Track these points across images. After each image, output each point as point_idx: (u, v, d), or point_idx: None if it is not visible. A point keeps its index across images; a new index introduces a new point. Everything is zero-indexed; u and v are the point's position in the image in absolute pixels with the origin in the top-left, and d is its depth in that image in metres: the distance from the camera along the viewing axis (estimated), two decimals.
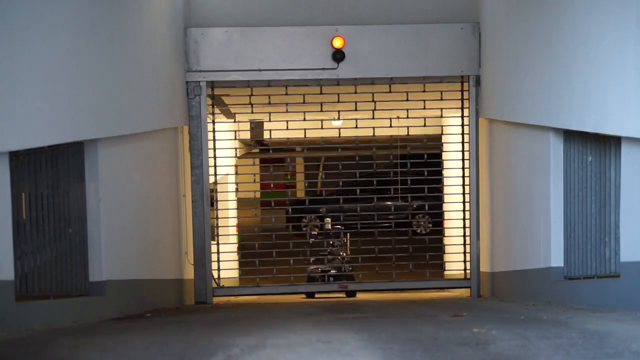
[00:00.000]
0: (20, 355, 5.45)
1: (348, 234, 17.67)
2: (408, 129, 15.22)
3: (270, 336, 6.17)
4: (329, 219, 18.45)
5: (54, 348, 5.78)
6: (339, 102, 14.30)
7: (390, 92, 14.09)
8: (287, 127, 14.55)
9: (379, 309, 10.33)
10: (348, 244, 17.56)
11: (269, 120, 15.73)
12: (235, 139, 17.88)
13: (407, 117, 14.62)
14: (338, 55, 13.45)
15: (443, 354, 5.20)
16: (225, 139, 15.96)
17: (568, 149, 9.65)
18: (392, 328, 6.89)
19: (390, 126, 14.80)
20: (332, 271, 16.59)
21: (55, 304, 8.06)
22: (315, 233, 18.77)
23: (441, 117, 17.06)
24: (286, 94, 13.99)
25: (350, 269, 16.73)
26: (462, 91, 13.92)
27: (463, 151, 14.18)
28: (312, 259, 17.03)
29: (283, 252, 15.00)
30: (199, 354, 5.34)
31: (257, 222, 22.47)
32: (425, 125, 15.85)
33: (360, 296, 16.60)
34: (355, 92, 14.14)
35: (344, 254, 17.17)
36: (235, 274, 15.98)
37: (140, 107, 10.69)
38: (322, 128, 14.61)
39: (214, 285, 13.97)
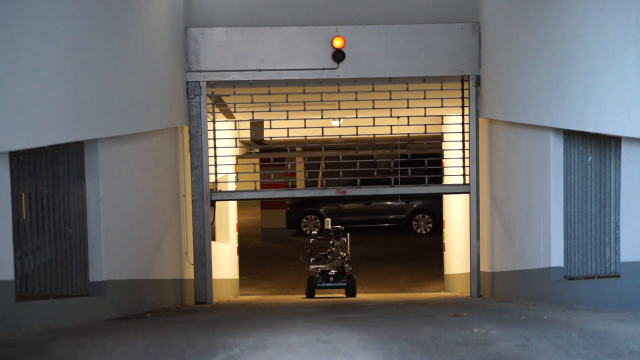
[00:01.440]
0: (20, 355, 5.45)
1: (348, 234, 17.56)
2: (408, 129, 15.20)
3: (270, 336, 6.17)
4: (329, 219, 18.18)
5: (54, 348, 5.78)
6: (339, 104, 14.29)
7: (390, 92, 14.08)
8: (287, 128, 14.52)
9: (379, 309, 10.33)
10: (348, 244, 17.42)
11: (270, 124, 15.72)
12: (236, 142, 17.83)
13: (408, 122, 14.61)
14: (338, 55, 13.45)
15: (443, 354, 5.20)
16: (225, 137, 15.97)
17: (568, 149, 9.66)
18: (392, 328, 6.90)
19: (391, 131, 14.80)
20: (332, 271, 16.62)
21: (55, 304, 8.06)
22: (315, 233, 18.36)
23: (442, 121, 17.07)
24: (286, 96, 13.98)
25: (351, 269, 16.76)
26: (462, 89, 13.91)
27: (463, 149, 14.18)
28: (312, 259, 17.11)
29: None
30: (199, 354, 5.34)
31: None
32: (425, 127, 15.86)
33: (360, 296, 16.57)
34: (356, 96, 14.14)
35: (344, 254, 17.00)
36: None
37: (140, 107, 10.69)
38: (322, 134, 14.52)
39: (212, 188, 13.87)
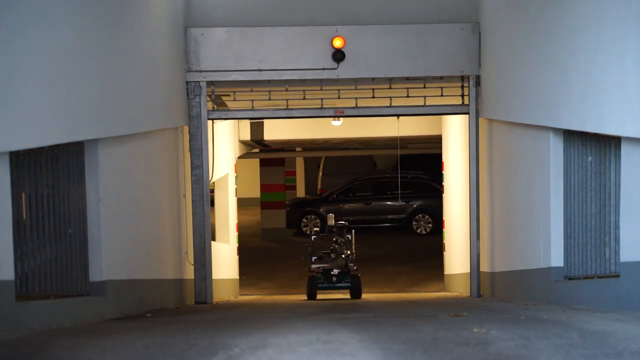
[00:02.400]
0: (20, 355, 5.45)
1: (353, 231, 16.38)
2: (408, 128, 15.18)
3: (270, 336, 6.17)
4: (331, 214, 16.95)
5: (54, 348, 5.78)
6: (339, 99, 14.28)
7: (390, 88, 14.07)
8: (287, 127, 14.52)
9: (379, 309, 10.33)
10: (353, 242, 16.22)
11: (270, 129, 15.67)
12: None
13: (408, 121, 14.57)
14: (338, 55, 13.45)
15: (443, 354, 5.20)
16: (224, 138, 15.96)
17: (568, 149, 9.66)
18: (392, 328, 6.90)
19: (393, 137, 14.77)
20: (335, 271, 15.54)
21: (55, 304, 8.06)
22: (317, 230, 17.46)
23: (441, 123, 17.06)
24: (287, 90, 13.94)
25: (356, 268, 15.71)
26: (462, 86, 13.87)
27: (462, 78, 13.81)
28: (313, 257, 15.92)
29: None
30: (199, 354, 5.34)
31: None
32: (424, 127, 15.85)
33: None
34: (356, 88, 14.12)
35: (348, 252, 15.77)
36: None
37: (140, 107, 10.70)
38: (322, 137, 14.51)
39: (209, 108, 13.68)
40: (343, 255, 15.66)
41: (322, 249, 16.09)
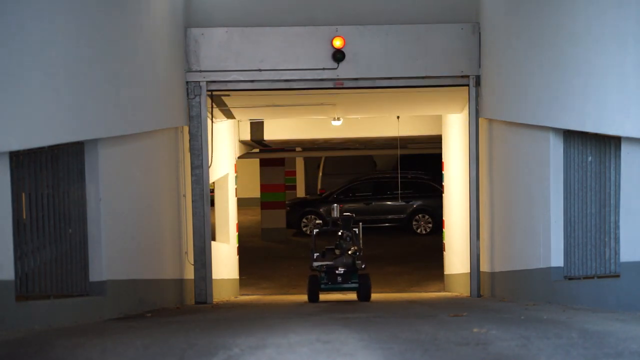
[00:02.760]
0: (20, 355, 5.45)
1: (360, 224, 14.51)
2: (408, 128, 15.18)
3: (270, 336, 6.17)
4: (336, 205, 14.77)
5: (54, 348, 5.78)
6: (338, 102, 14.28)
7: (390, 87, 14.06)
8: (287, 127, 14.53)
9: (379, 309, 10.33)
10: (360, 236, 14.39)
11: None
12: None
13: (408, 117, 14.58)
14: (338, 55, 13.45)
15: (443, 354, 5.20)
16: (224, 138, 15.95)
17: (568, 149, 9.66)
18: (392, 328, 6.90)
19: (393, 137, 14.77)
20: (341, 269, 13.72)
21: (55, 304, 8.06)
22: (320, 223, 15.41)
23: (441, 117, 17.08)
24: (287, 89, 13.91)
25: (364, 266, 13.81)
26: (461, 84, 13.83)
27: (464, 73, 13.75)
28: (315, 254, 14.02)
29: None
30: (199, 354, 5.34)
31: None
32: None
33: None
34: (357, 79, 14.09)
35: (356, 248, 13.81)
36: None
37: (140, 107, 10.70)
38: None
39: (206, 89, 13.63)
40: (349, 252, 13.77)
41: (328, 245, 14.49)
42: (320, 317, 8.66)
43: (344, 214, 14.11)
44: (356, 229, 14.14)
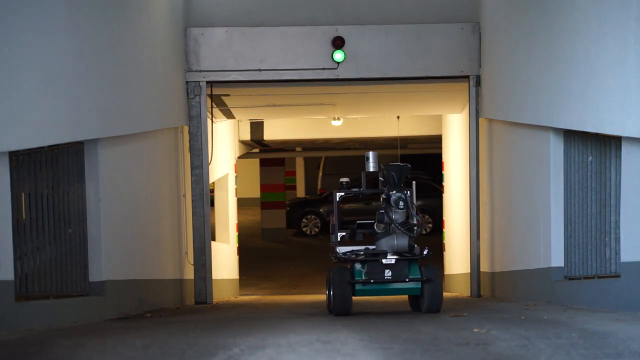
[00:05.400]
0: (20, 355, 5.45)
1: (414, 183, 9.20)
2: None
3: (270, 336, 6.17)
4: (373, 152, 9.45)
5: (54, 348, 5.78)
6: (338, 102, 14.28)
7: (391, 85, 14.03)
8: (287, 127, 14.51)
9: (379, 308, 10.33)
10: (414, 200, 9.03)
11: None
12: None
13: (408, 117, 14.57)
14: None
15: (443, 354, 5.20)
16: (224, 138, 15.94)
17: (568, 149, 9.65)
18: (392, 328, 6.89)
19: (393, 137, 14.71)
20: (391, 257, 8.77)
21: (55, 304, 8.06)
22: (347, 180, 9.27)
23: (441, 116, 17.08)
24: (288, 87, 13.86)
25: (427, 251, 8.93)
26: (461, 80, 13.76)
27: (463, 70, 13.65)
28: (341, 233, 9.26)
29: None
30: (199, 354, 5.34)
31: None
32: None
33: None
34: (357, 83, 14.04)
35: (416, 219, 8.79)
36: None
37: (140, 107, 10.69)
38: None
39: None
40: (403, 226, 8.76)
41: (360, 217, 10.04)
42: (320, 317, 8.65)
43: (390, 163, 9.01)
44: (408, 191, 8.93)
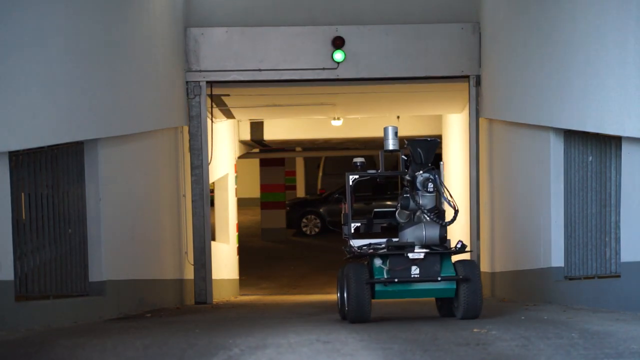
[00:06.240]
0: (20, 355, 5.45)
1: (442, 163, 7.93)
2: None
3: (270, 336, 6.17)
4: (390, 128, 8.26)
5: (54, 348, 5.78)
6: (338, 102, 14.27)
7: (391, 85, 14.02)
8: (287, 127, 14.48)
9: (379, 308, 10.32)
10: (445, 182, 7.78)
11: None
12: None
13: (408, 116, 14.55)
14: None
15: (443, 354, 5.20)
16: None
17: (568, 149, 9.65)
18: (392, 328, 6.89)
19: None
20: (420, 250, 7.40)
21: (55, 304, 8.06)
22: (362, 160, 8.25)
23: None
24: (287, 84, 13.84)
25: (460, 243, 7.57)
26: (461, 80, 13.75)
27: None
28: (354, 224, 7.99)
29: None
30: (199, 354, 5.34)
31: None
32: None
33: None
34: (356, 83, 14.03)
35: (452, 201, 7.54)
36: None
37: (140, 107, 10.69)
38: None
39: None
40: (430, 212, 7.50)
41: (376, 204, 9.05)
42: (320, 317, 8.65)
43: (416, 137, 7.83)
44: (435, 172, 7.67)
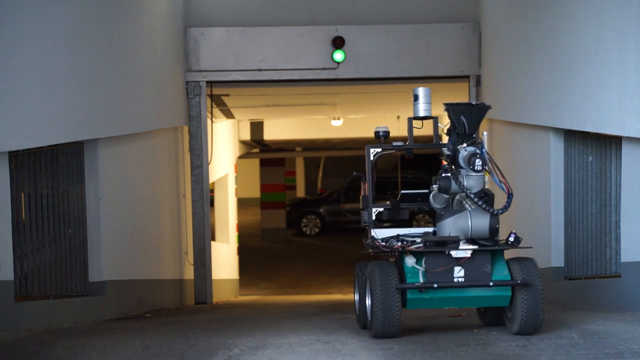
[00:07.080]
0: (20, 355, 5.45)
1: (485, 134, 6.64)
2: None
3: (270, 336, 6.17)
4: (421, 89, 7.12)
5: (54, 348, 5.78)
6: (338, 102, 14.27)
7: (391, 85, 14.02)
8: (287, 127, 14.48)
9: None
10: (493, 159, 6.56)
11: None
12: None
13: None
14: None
15: (443, 354, 5.20)
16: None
17: (568, 149, 9.65)
18: None
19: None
20: (467, 247, 6.11)
21: (55, 304, 8.06)
22: (387, 129, 6.91)
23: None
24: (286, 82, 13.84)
25: (514, 236, 6.60)
26: (461, 80, 13.76)
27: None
28: (377, 209, 6.58)
29: None
30: (199, 354, 5.34)
31: None
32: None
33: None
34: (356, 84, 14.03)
35: (507, 189, 6.53)
36: None
37: (140, 107, 10.69)
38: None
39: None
40: (477, 196, 6.25)
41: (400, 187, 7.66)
42: (320, 317, 8.65)
43: (454, 102, 6.48)
44: (480, 138, 6.44)
